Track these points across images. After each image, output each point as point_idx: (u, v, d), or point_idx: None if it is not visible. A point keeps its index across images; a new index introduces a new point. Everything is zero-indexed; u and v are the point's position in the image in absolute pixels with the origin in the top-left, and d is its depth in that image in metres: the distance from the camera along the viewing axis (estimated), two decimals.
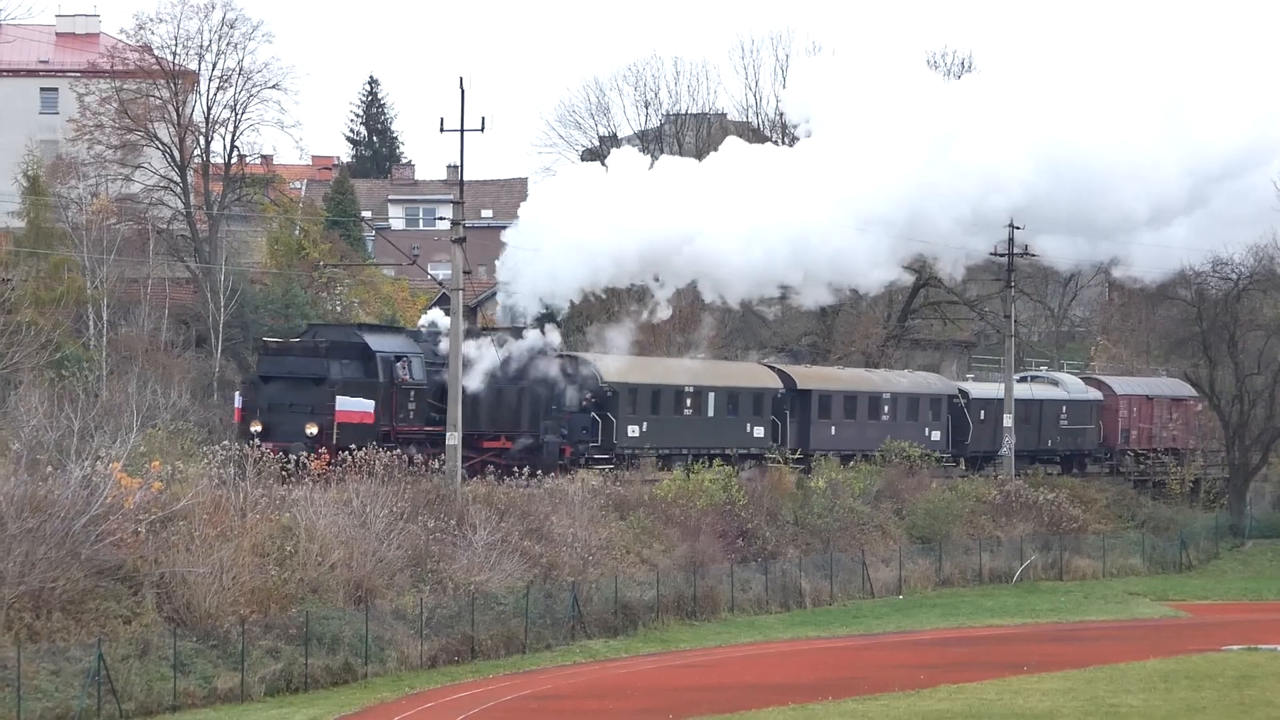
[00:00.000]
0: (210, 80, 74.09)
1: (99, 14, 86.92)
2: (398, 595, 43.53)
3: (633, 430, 59.25)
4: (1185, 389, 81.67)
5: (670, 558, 52.76)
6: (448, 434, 50.34)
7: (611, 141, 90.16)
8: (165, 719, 36.66)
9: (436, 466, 49.22)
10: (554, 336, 57.74)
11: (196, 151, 74.55)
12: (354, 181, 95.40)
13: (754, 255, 57.03)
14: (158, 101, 73.58)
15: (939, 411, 71.06)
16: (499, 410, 54.69)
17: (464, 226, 51.26)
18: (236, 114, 74.49)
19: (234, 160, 76.21)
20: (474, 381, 53.75)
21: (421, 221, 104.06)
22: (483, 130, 51.08)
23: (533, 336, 56.50)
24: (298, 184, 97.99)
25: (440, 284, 60.59)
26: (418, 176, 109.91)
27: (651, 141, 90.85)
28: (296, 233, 78.86)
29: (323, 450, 48.96)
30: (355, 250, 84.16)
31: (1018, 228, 67.06)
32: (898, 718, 37.62)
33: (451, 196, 54.37)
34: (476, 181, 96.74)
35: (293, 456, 47.40)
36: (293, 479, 46.05)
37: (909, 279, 77.95)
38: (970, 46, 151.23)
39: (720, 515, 55.70)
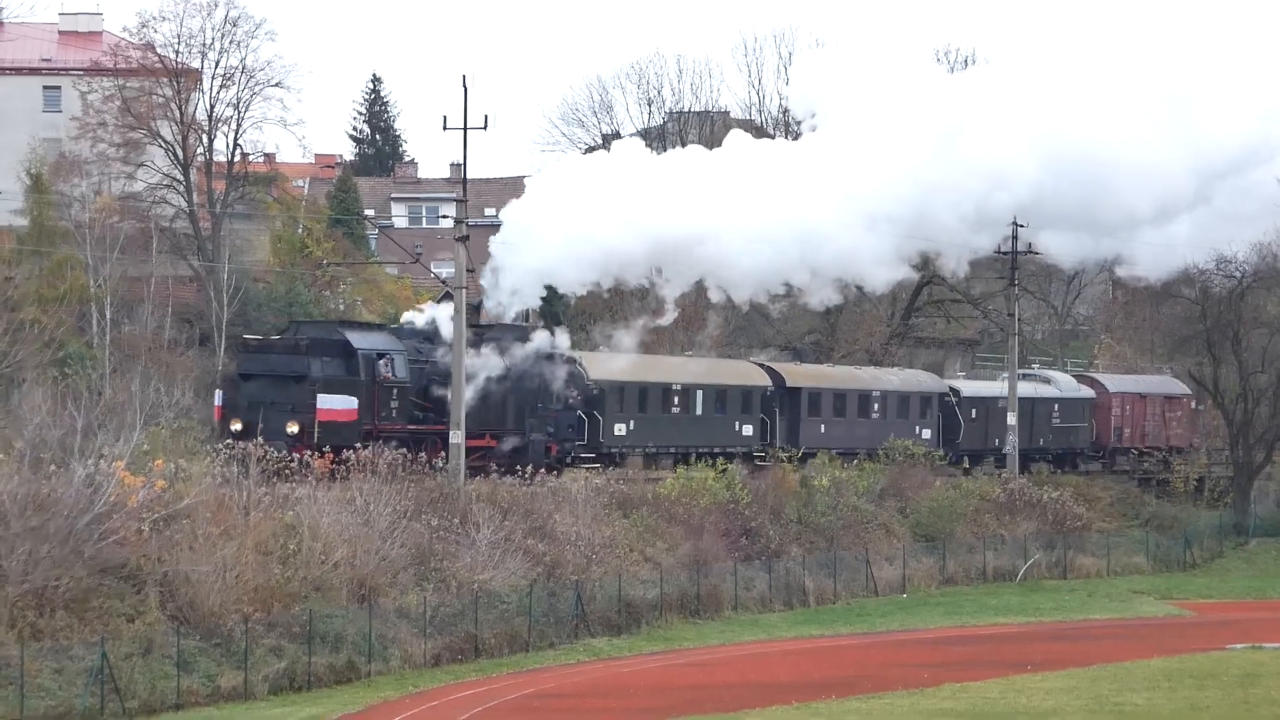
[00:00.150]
0: (213, 78, 74.11)
1: (102, 12, 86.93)
2: (401, 594, 43.49)
3: (620, 429, 58.93)
4: (1179, 387, 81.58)
5: (674, 556, 52.73)
6: (451, 432, 50.22)
7: (615, 139, 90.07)
8: (168, 717, 36.61)
9: (423, 464, 48.74)
10: (563, 339, 57.53)
11: (199, 150, 74.51)
12: (357, 180, 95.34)
13: (762, 255, 56.79)
14: (160, 99, 73.55)
15: (929, 410, 70.93)
16: (485, 409, 53.75)
17: (467, 225, 51.20)
18: (239, 112, 74.48)
19: (237, 158, 76.17)
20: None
21: (425, 220, 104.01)
22: (486, 128, 51.09)
23: (541, 338, 56.25)
24: (301, 182, 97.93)
25: (443, 282, 60.42)
26: (421, 175, 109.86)
27: (654, 139, 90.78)
28: (300, 231, 78.80)
29: (327, 450, 48.61)
30: (358, 249, 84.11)
31: (1022, 225, 67.00)
32: (901, 716, 37.55)
33: (454, 195, 54.31)
34: (479, 180, 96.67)
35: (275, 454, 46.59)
36: (290, 477, 45.74)
37: (915, 277, 77.81)
38: (974, 44, 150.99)
39: (724, 514, 55.66)
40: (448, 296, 53.83)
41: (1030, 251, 70.09)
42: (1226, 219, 66.38)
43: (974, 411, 72.60)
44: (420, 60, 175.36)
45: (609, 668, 44.45)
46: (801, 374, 68.10)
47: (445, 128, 51.27)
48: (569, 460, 56.15)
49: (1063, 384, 77.44)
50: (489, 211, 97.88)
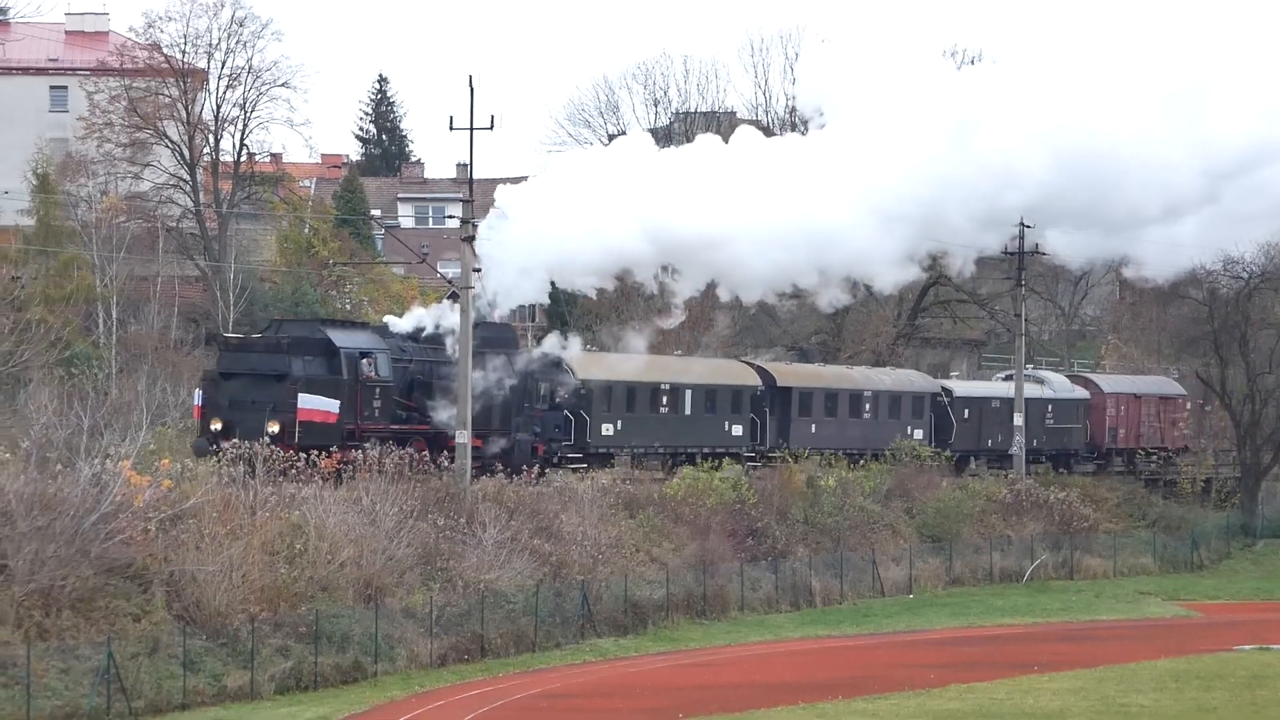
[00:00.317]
0: (219, 78, 74.25)
1: (108, 12, 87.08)
2: (407, 593, 43.47)
3: (607, 429, 58.34)
4: (1175, 387, 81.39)
5: (680, 556, 52.69)
6: (457, 433, 50.07)
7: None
8: (175, 717, 36.60)
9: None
10: (575, 344, 57.20)
11: (206, 150, 74.61)
12: (363, 180, 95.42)
13: (774, 256, 56.33)
14: (167, 100, 73.67)
15: (921, 410, 70.59)
16: (472, 409, 52.66)
17: (473, 225, 51.13)
18: (246, 112, 74.63)
19: (243, 158, 76.30)
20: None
21: (431, 220, 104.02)
22: (492, 129, 51.04)
23: (551, 342, 55.87)
24: (307, 182, 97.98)
25: (450, 282, 60.35)
26: (427, 175, 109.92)
27: (661, 140, 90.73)
28: (306, 231, 78.84)
29: (334, 450, 48.42)
30: (365, 248, 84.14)
31: (1029, 226, 66.88)
32: (908, 717, 37.53)
33: (461, 195, 54.20)
34: (486, 180, 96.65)
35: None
36: (296, 476, 45.57)
37: (922, 277, 77.68)
38: (982, 45, 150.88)
39: (730, 514, 55.61)
40: (453, 296, 53.64)
41: (1037, 252, 69.99)
42: (1234, 218, 66.22)
43: (966, 412, 72.34)
44: (426, 60, 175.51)
45: (615, 668, 44.43)
46: (792, 374, 67.64)
47: (452, 128, 51.26)
48: (556, 461, 55.33)
49: (1056, 384, 76.97)
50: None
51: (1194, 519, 73.28)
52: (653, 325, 63.42)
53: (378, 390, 50.39)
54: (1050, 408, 75.23)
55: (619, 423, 58.63)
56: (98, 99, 74.18)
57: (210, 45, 73.97)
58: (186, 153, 73.40)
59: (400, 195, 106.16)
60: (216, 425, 47.97)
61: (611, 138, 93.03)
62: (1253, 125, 61.97)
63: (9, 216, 70.49)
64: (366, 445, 47.82)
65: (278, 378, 48.44)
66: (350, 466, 46.93)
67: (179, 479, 42.11)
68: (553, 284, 56.27)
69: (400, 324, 53.76)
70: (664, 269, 57.44)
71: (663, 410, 60.78)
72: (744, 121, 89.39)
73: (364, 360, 50.13)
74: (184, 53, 73.92)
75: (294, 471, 45.19)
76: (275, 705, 37.87)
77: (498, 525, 46.99)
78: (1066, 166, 59.54)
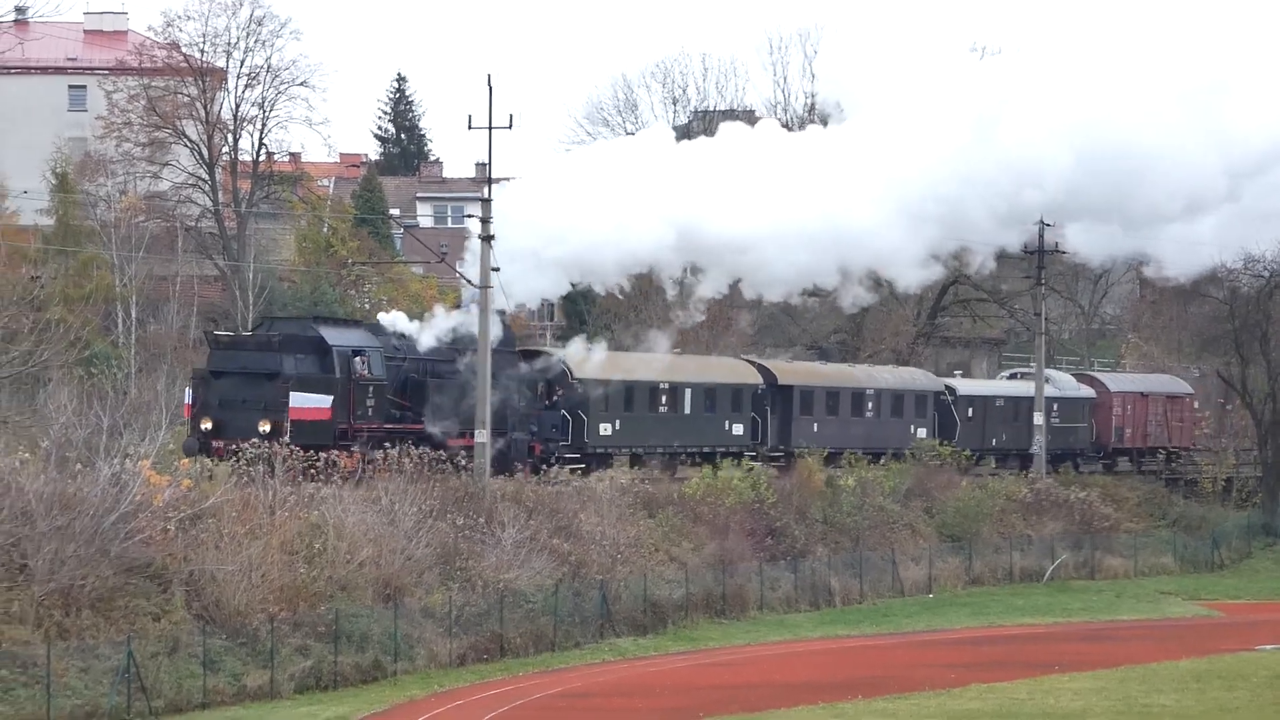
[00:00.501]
0: (238, 77, 74.32)
1: (127, 11, 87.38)
2: (426, 593, 43.44)
3: (605, 428, 57.43)
4: (1182, 386, 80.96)
5: (699, 556, 52.61)
6: (476, 432, 49.99)
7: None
8: (195, 716, 36.61)
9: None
10: (577, 343, 56.85)
11: (224, 149, 74.66)
12: (382, 179, 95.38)
13: (799, 257, 55.84)
14: (186, 99, 73.74)
15: (924, 408, 70.01)
16: (467, 408, 51.86)
17: (492, 224, 51.02)
18: (264, 111, 74.67)
19: (262, 158, 76.34)
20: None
21: (450, 219, 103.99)
22: (511, 128, 50.85)
23: (576, 346, 55.42)
24: (326, 181, 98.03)
25: (469, 281, 60.28)
26: (446, 174, 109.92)
27: (680, 138, 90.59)
28: (325, 230, 78.86)
29: (353, 450, 48.35)
30: (383, 248, 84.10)
31: (1049, 224, 66.65)
32: (928, 717, 37.43)
33: (480, 194, 54.08)
34: (505, 179, 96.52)
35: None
36: (315, 476, 45.50)
37: (945, 276, 77.37)
38: (1003, 42, 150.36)
39: (749, 513, 55.51)
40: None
41: (1057, 250, 69.74)
42: (1255, 216, 66.00)
43: (970, 410, 71.88)
44: (445, 59, 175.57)
45: (634, 667, 44.37)
46: (793, 372, 66.83)
47: (470, 127, 51.14)
48: (553, 460, 54.46)
49: (1062, 383, 76.31)
50: None
51: (1215, 518, 73.05)
52: (673, 325, 63.14)
53: (371, 389, 49.72)
54: (1055, 406, 74.41)
55: (617, 422, 57.81)
56: (116, 98, 74.27)
57: (229, 44, 74.11)
58: (205, 152, 73.46)
59: (419, 195, 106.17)
60: (207, 424, 47.33)
61: (630, 136, 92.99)
62: (1274, 123, 61.75)
63: (28, 216, 70.58)
64: (354, 447, 47.64)
65: (269, 376, 47.69)
66: (369, 466, 46.81)
67: (198, 478, 42.09)
68: (571, 284, 56.05)
69: (399, 325, 53.03)
70: (691, 271, 57.04)
71: (662, 409, 59.88)
72: (763, 120, 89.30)
73: (357, 358, 49.41)
74: (203, 52, 74.04)
75: (313, 471, 45.11)
76: (295, 704, 37.87)
77: (517, 525, 46.94)
78: (1088, 163, 59.31)
